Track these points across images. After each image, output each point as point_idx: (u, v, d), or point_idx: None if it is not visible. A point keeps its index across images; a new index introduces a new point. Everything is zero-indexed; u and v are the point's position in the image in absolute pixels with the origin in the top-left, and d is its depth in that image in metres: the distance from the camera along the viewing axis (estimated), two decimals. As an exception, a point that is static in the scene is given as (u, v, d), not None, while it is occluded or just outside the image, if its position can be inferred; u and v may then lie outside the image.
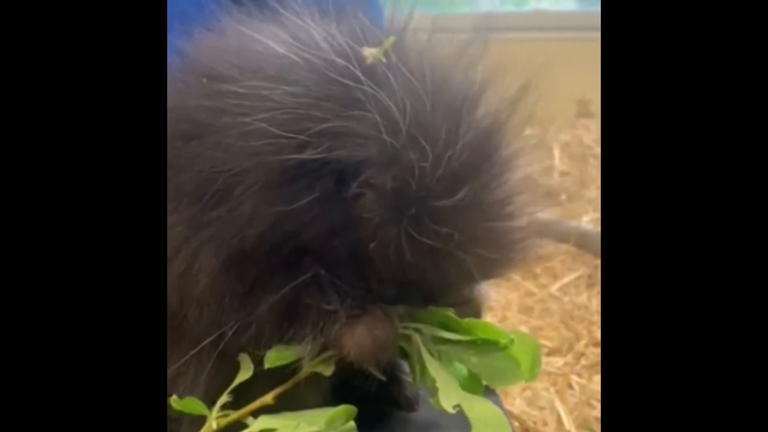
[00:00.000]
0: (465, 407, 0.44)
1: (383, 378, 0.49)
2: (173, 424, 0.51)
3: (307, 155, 0.42)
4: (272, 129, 0.42)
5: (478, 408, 0.44)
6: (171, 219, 0.45)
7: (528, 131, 0.48)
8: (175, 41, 0.49)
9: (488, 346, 0.47)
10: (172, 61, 0.50)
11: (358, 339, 0.44)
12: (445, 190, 0.42)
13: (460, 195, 0.42)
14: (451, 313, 0.47)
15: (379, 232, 0.42)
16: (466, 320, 0.47)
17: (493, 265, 0.45)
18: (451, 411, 0.44)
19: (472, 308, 0.49)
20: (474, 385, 0.47)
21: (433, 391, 0.45)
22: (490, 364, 0.47)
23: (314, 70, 0.43)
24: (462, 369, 0.47)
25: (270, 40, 0.45)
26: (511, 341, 0.47)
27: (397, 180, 0.42)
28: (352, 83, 0.42)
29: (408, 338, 0.47)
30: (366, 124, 0.42)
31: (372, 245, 0.42)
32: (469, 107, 0.43)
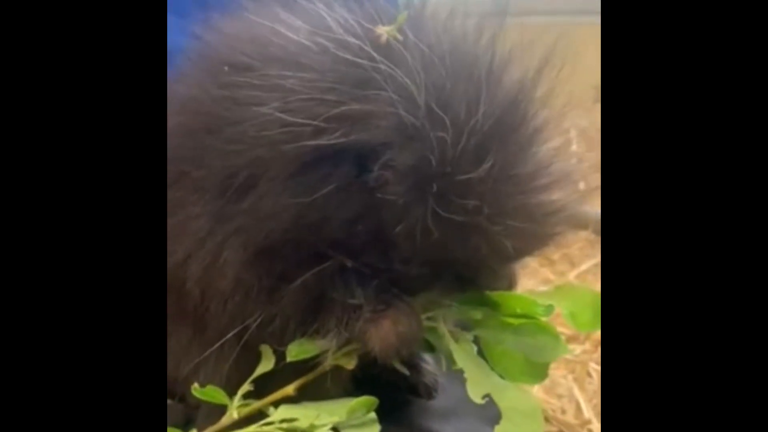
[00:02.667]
0: (495, 396, 0.43)
1: (407, 373, 0.48)
2: (192, 412, 0.51)
3: (323, 141, 0.41)
4: (285, 117, 0.41)
5: (509, 397, 0.43)
6: (194, 210, 0.44)
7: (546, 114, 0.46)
8: (193, 28, 0.49)
9: (525, 323, 0.45)
10: (191, 48, 0.49)
11: (383, 334, 0.43)
12: (469, 162, 0.40)
13: (485, 166, 0.40)
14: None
15: (405, 213, 0.41)
16: (498, 293, 0.46)
17: (529, 238, 0.44)
18: (479, 402, 0.43)
19: (506, 280, 0.48)
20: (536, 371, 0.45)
21: (464, 381, 0.44)
22: (530, 342, 0.45)
23: (327, 54, 0.42)
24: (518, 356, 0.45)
25: (284, 26, 0.44)
26: (550, 308, 0.45)
27: (418, 157, 0.40)
28: (366, 62, 0.41)
29: (434, 330, 0.46)
30: (382, 103, 0.41)
31: (398, 228, 0.41)
32: (491, 80, 0.42)
